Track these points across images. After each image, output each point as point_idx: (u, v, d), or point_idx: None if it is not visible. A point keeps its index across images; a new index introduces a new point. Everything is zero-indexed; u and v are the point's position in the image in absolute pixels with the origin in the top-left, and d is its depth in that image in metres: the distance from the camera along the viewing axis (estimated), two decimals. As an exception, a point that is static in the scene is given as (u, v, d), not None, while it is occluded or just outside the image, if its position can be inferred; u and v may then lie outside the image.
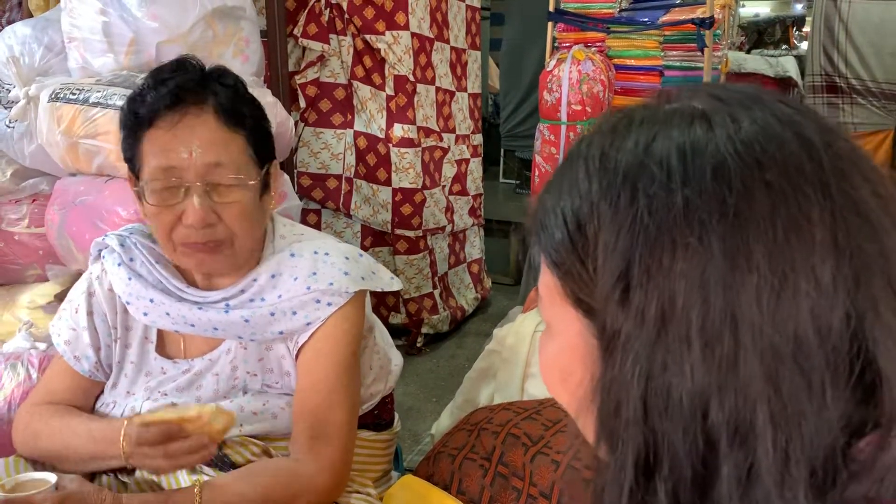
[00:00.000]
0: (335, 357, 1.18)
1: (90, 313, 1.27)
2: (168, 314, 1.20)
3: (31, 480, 1.05)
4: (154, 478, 1.20)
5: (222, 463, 1.18)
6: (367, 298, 1.33)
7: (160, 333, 1.27)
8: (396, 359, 1.44)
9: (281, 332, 1.19)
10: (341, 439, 1.16)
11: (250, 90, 1.21)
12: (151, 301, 1.21)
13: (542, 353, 0.61)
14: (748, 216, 0.45)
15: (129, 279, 1.22)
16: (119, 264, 1.23)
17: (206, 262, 1.17)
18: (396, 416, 1.51)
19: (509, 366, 1.75)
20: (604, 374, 0.50)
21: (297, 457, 1.15)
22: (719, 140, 0.47)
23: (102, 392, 1.30)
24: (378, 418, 1.42)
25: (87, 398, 1.29)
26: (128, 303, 1.23)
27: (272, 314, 1.17)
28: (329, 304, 1.17)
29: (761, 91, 0.52)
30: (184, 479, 1.18)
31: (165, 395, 1.23)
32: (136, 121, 1.13)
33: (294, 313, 1.17)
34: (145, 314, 1.22)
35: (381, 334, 1.41)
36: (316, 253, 1.21)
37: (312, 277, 1.18)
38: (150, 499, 1.10)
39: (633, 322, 0.47)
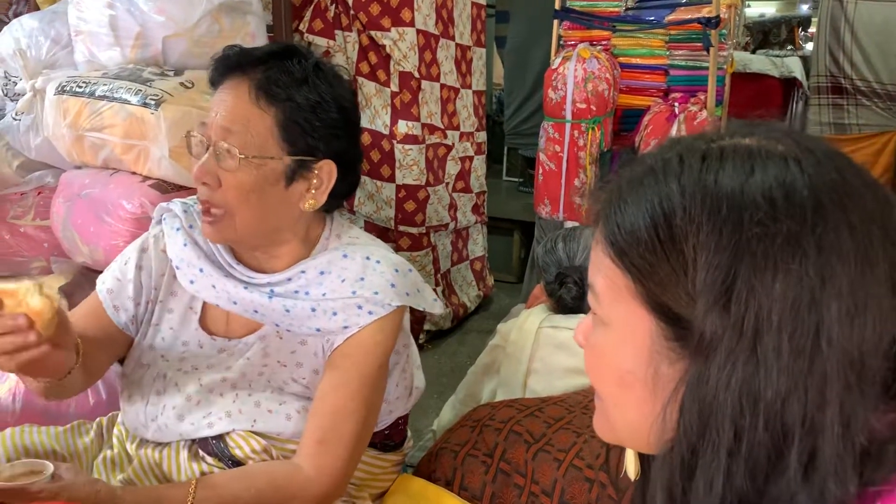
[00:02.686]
0: (362, 366, 1.17)
1: (139, 267, 1.28)
2: (214, 287, 1.21)
3: (28, 471, 1.05)
4: (156, 457, 1.22)
5: (223, 455, 1.19)
6: (406, 316, 1.32)
7: (205, 307, 1.27)
8: (419, 381, 1.42)
9: (318, 329, 1.18)
10: (347, 449, 1.14)
11: None
12: (201, 271, 1.22)
13: (591, 341, 0.67)
14: (838, 250, 0.54)
15: (185, 245, 1.24)
16: (178, 229, 1.25)
17: (208, 230, 1.17)
18: (409, 435, 1.47)
19: (512, 361, 1.76)
20: (695, 375, 0.57)
21: (298, 458, 1.14)
22: (814, 182, 0.56)
23: (130, 348, 1.30)
24: (388, 438, 1.39)
25: (104, 338, 1.26)
26: (178, 267, 1.24)
27: (313, 310, 1.17)
28: (370, 313, 1.16)
29: (830, 143, 0.62)
30: (185, 464, 1.19)
31: (196, 369, 1.23)
32: (211, 84, 1.21)
33: (334, 314, 1.17)
34: (192, 282, 1.23)
35: (412, 355, 1.39)
36: (368, 259, 1.20)
37: (359, 282, 1.17)
38: (144, 493, 1.10)
39: (732, 332, 0.55)
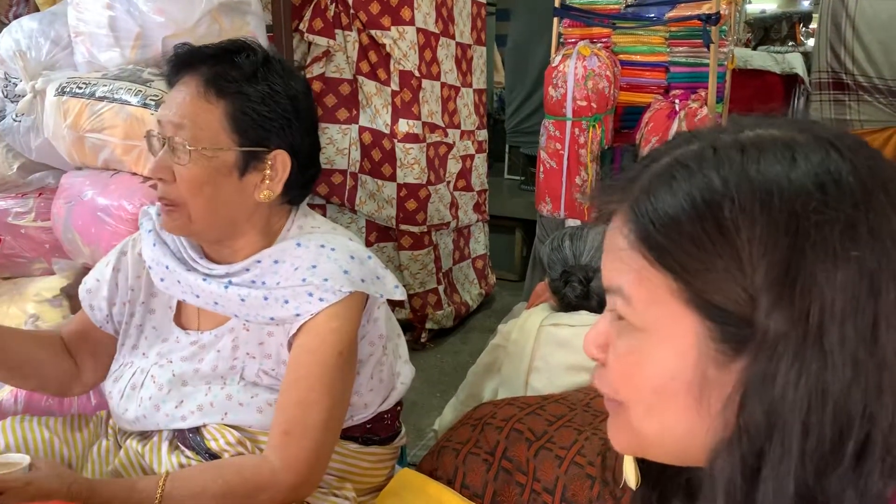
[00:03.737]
0: (319, 355, 1.16)
1: (116, 269, 1.34)
2: (179, 282, 1.25)
3: (6, 462, 1.07)
4: (139, 449, 1.25)
5: (199, 448, 1.20)
6: (385, 307, 1.32)
7: (179, 304, 1.31)
8: (405, 376, 1.40)
9: (272, 318, 1.19)
10: (313, 440, 1.13)
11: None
12: (167, 268, 1.26)
13: (619, 350, 0.62)
14: (889, 234, 0.54)
15: (154, 245, 1.28)
16: (150, 231, 1.30)
17: (165, 221, 1.21)
18: (403, 431, 1.46)
19: (514, 360, 1.75)
20: (759, 375, 0.55)
21: (267, 450, 1.15)
22: (857, 167, 0.55)
23: (118, 352, 1.35)
24: (370, 433, 1.36)
25: (87, 342, 1.37)
26: (150, 267, 1.29)
27: (266, 298, 1.18)
28: (321, 300, 1.16)
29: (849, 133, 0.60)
30: (165, 457, 1.21)
31: (171, 362, 1.26)
32: (168, 84, 1.23)
33: (286, 302, 1.17)
34: (161, 280, 1.27)
35: (395, 348, 1.38)
36: (322, 246, 1.20)
37: (311, 270, 1.17)
38: (118, 486, 1.11)
39: (798, 327, 0.53)
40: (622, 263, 0.60)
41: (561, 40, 3.34)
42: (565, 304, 1.76)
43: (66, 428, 1.36)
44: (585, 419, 1.43)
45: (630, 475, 0.69)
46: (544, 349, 1.71)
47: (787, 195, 0.54)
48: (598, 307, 1.71)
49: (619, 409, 0.63)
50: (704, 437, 0.58)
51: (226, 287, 1.20)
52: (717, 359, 0.56)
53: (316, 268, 1.17)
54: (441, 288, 3.56)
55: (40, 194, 2.09)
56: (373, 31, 3.20)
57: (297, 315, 1.17)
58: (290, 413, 1.15)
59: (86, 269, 1.98)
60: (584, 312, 1.72)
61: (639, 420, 0.62)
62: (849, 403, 0.53)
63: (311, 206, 3.36)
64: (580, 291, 1.71)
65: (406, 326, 3.45)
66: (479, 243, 4.02)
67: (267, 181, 1.19)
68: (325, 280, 1.16)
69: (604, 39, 3.23)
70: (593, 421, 1.42)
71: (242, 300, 1.19)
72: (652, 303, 0.58)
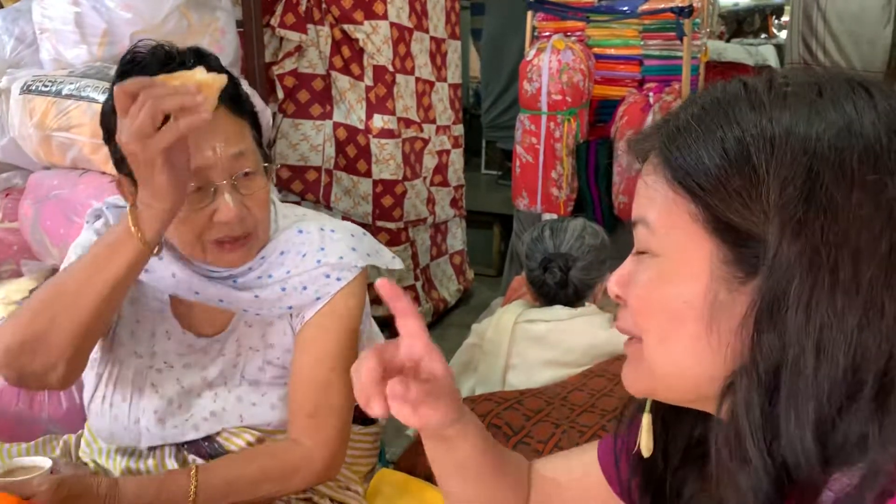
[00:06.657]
0: (339, 334, 1.17)
1: None
2: (174, 275, 1.15)
3: (25, 466, 1.04)
4: (142, 469, 1.18)
5: (217, 454, 1.17)
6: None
7: (171, 302, 1.23)
8: None
9: (290, 308, 1.18)
10: (340, 418, 1.15)
11: None
12: (160, 258, 1.14)
13: (637, 280, 0.64)
14: None
15: None
16: None
17: (235, 258, 1.13)
18: None
19: (490, 358, 1.75)
20: (773, 294, 0.54)
21: (294, 434, 1.15)
22: (883, 107, 0.55)
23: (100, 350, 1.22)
24: (364, 411, 1.40)
25: None
26: None
27: (283, 289, 1.16)
28: (338, 279, 1.17)
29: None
30: (173, 467, 1.17)
31: (172, 367, 1.20)
32: None
33: (304, 288, 1.16)
34: (147, 271, 1.14)
35: (374, 323, 1.40)
36: (322, 229, 1.20)
37: (321, 252, 1.17)
38: (146, 482, 1.08)
39: (811, 247, 0.53)
40: (650, 192, 0.62)
41: (535, 34, 3.34)
42: (543, 294, 1.76)
43: (35, 453, 1.27)
44: (563, 413, 1.43)
45: (644, 442, 0.70)
46: (520, 346, 1.71)
47: (811, 122, 0.54)
48: (575, 296, 1.72)
49: (637, 347, 0.65)
50: (713, 372, 0.58)
51: (234, 288, 1.16)
52: (729, 282, 0.57)
53: (325, 250, 1.18)
54: (418, 284, 3.55)
55: (7, 195, 2.06)
56: (345, 26, 3.18)
57: (318, 298, 1.17)
58: (313, 395, 1.14)
59: (55, 270, 1.95)
60: (558, 307, 1.72)
61: (651, 351, 0.63)
62: (865, 333, 0.53)
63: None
64: (559, 278, 1.72)
65: (383, 324, 3.42)
66: (457, 239, 4.01)
67: (272, 182, 1.18)
68: (340, 258, 1.17)
69: (578, 33, 3.23)
70: (570, 415, 1.42)
71: (256, 297, 1.16)
72: (672, 227, 0.60)
